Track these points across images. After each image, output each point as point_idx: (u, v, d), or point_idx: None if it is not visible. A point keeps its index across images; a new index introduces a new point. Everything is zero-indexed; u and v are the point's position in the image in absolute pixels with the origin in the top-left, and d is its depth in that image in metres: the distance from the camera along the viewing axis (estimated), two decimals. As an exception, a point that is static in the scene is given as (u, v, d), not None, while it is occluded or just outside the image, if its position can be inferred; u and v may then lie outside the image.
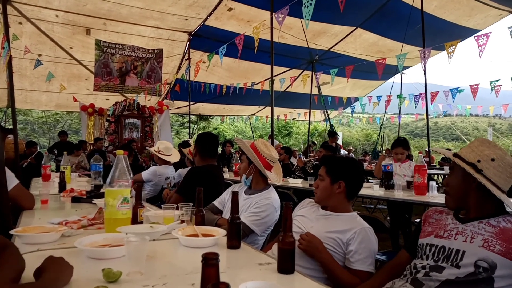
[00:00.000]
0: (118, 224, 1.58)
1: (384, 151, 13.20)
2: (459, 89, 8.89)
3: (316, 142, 16.20)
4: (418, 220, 1.83)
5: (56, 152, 9.08)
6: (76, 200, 2.67)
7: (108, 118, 11.22)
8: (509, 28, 5.06)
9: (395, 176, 4.41)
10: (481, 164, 1.44)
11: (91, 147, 10.00)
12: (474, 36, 5.33)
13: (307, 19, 4.68)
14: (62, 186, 3.17)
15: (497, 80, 7.76)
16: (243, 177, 2.41)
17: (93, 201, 2.48)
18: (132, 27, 9.55)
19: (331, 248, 1.74)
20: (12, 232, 1.53)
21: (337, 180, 1.86)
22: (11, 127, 6.65)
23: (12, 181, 2.13)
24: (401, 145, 4.54)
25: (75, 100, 10.81)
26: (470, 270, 1.34)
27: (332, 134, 9.26)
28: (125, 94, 11.23)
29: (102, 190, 2.83)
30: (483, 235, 1.38)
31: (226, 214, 2.39)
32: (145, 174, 4.57)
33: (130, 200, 1.64)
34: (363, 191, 3.94)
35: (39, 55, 8.82)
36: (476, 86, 8.15)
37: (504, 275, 1.32)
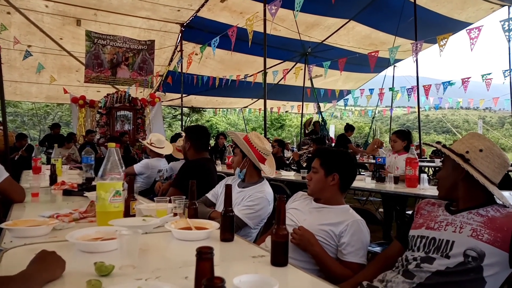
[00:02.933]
0: (110, 217, 1.57)
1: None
2: (450, 82, 8.96)
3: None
4: (410, 212, 1.85)
5: (47, 144, 8.98)
6: (67, 193, 2.64)
7: (99, 110, 11.10)
8: (500, 21, 5.10)
9: (388, 168, 4.44)
10: (469, 155, 1.46)
11: (84, 140, 9.91)
12: (466, 29, 5.36)
13: (297, 10, 4.68)
14: (53, 179, 3.14)
15: (489, 74, 7.84)
16: (236, 170, 2.40)
17: (84, 194, 2.46)
18: (123, 18, 9.43)
19: (323, 240, 1.75)
20: (2, 225, 1.51)
21: (331, 173, 1.86)
22: (0, 119, 6.54)
23: (1, 174, 2.10)
24: (395, 133, 4.61)
25: (65, 91, 10.67)
26: (460, 260, 1.36)
27: (351, 128, 9.20)
28: (116, 86, 11.11)
29: (93, 183, 2.81)
30: (471, 225, 1.40)
31: (219, 207, 2.39)
32: (137, 167, 4.55)
33: (122, 193, 1.63)
34: (355, 183, 3.96)
35: (29, 46, 8.67)
36: (467, 80, 8.23)
37: (493, 263, 1.34)
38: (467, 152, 1.47)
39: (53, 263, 1.06)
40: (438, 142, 14.48)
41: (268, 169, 2.40)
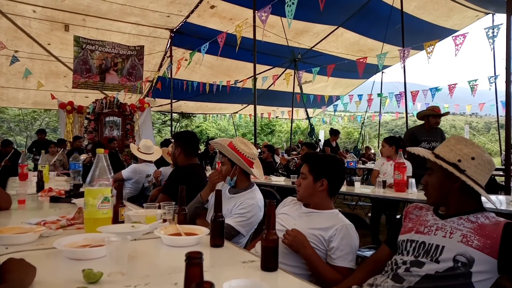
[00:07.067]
0: (99, 224, 1.56)
1: (364, 150, 13.44)
2: (437, 88, 9.11)
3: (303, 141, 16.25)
4: (398, 216, 1.86)
5: (35, 150, 8.87)
6: (54, 199, 2.60)
7: (87, 116, 11.00)
8: (485, 28, 5.20)
9: (384, 175, 4.50)
10: (462, 164, 1.45)
11: (71, 146, 9.79)
12: (452, 36, 5.46)
13: (290, 18, 4.72)
14: (40, 186, 3.09)
15: (475, 80, 7.99)
16: (227, 179, 2.38)
17: (72, 201, 2.43)
18: (112, 24, 9.38)
19: (313, 245, 1.75)
20: (-13, 233, 1.49)
21: (320, 178, 1.87)
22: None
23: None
24: (383, 139, 4.75)
25: (53, 97, 10.56)
26: (449, 264, 1.37)
27: (335, 132, 9.24)
28: (105, 92, 11.03)
29: (81, 190, 2.78)
30: (462, 231, 1.41)
31: (210, 213, 2.38)
32: (125, 172, 4.53)
33: (110, 199, 1.62)
34: (345, 188, 4.01)
35: (16, 51, 8.58)
36: (454, 86, 8.37)
37: (482, 269, 1.35)
38: (459, 160, 1.46)
39: (26, 271, 1.04)
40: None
41: (257, 171, 2.40)
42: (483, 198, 1.48)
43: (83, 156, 5.15)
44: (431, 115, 4.81)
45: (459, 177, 1.43)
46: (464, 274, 1.36)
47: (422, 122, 4.93)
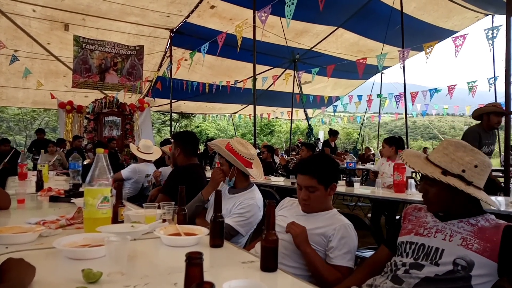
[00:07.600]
0: (98, 224, 1.56)
1: (363, 150, 13.46)
2: (437, 89, 9.13)
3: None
4: (398, 217, 1.85)
5: (34, 150, 8.87)
6: (54, 199, 2.60)
7: (87, 115, 11.00)
8: (484, 30, 5.21)
9: (382, 175, 4.52)
10: (467, 174, 1.42)
11: (71, 145, 9.80)
12: (452, 37, 5.47)
13: (289, 18, 4.73)
14: (39, 185, 3.09)
15: (474, 81, 8.02)
16: (226, 180, 2.38)
17: (71, 201, 2.43)
18: (112, 23, 9.39)
19: (313, 245, 1.75)
20: (-13, 232, 1.48)
21: (329, 185, 1.87)
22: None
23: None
24: (384, 140, 4.73)
25: (52, 97, 10.55)
26: (449, 268, 1.37)
27: (334, 133, 9.23)
28: (104, 91, 11.02)
29: (81, 189, 2.78)
30: (461, 234, 1.41)
31: (210, 212, 2.38)
32: (124, 172, 4.53)
33: (110, 199, 1.62)
34: (345, 189, 4.01)
35: (15, 50, 8.58)
36: (453, 87, 8.40)
37: (481, 272, 1.35)
38: (463, 171, 1.42)
39: (25, 270, 1.04)
40: (425, 149, 14.66)
41: (256, 171, 2.38)
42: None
43: (86, 162, 5.16)
44: (493, 113, 4.01)
45: (470, 193, 1.39)
46: (464, 278, 1.35)
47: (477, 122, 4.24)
